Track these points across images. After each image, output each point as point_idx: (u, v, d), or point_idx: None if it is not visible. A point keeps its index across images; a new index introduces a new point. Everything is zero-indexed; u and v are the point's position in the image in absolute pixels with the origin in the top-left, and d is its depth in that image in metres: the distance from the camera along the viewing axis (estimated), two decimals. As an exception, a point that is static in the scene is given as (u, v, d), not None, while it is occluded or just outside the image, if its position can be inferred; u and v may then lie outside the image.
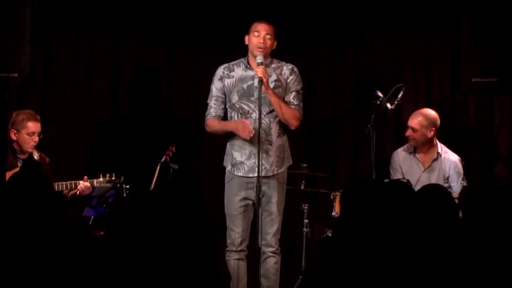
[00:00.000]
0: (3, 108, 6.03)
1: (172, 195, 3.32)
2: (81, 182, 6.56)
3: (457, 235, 3.64)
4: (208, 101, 6.22)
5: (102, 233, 5.92)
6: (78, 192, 6.56)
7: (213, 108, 6.18)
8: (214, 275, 3.38)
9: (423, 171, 6.93)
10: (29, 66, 5.88)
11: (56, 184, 6.39)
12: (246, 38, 6.11)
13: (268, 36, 6.05)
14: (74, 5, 7.45)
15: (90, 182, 6.57)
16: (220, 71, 6.20)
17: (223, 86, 6.15)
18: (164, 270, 3.18)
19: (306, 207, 6.99)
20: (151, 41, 7.65)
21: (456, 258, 3.52)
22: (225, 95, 6.17)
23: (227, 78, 6.15)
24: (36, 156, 6.57)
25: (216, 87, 6.18)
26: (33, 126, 6.49)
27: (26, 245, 3.82)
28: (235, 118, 6.10)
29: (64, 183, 6.52)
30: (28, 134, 6.48)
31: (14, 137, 6.48)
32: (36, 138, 6.52)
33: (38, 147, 6.61)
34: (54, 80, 7.48)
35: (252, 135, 5.93)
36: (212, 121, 6.17)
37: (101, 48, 7.58)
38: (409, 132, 6.88)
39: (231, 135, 6.14)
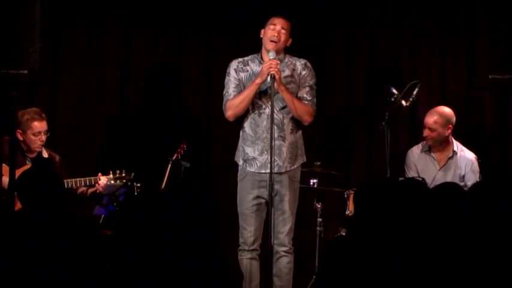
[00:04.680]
0: (13, 105, 5.96)
1: (183, 195, 3.28)
2: (101, 177, 6.51)
3: (471, 234, 3.58)
4: (224, 91, 6.14)
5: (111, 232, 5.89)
6: (98, 190, 6.51)
7: (232, 89, 6.10)
8: (225, 275, 3.34)
9: (439, 170, 6.90)
10: (39, 63, 5.83)
11: (67, 181, 6.33)
12: (262, 31, 6.10)
13: (283, 31, 6.02)
14: (83, 0, 7.43)
15: (103, 178, 6.52)
16: (235, 64, 6.17)
17: (239, 78, 6.11)
18: (174, 270, 3.14)
19: (319, 205, 6.96)
20: (162, 38, 7.61)
21: (470, 257, 3.47)
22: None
23: (241, 72, 6.13)
24: (45, 154, 6.51)
25: (233, 76, 6.13)
26: (39, 125, 6.41)
27: (36, 242, 3.92)
28: (249, 112, 6.06)
29: (74, 180, 6.46)
30: (34, 134, 6.40)
31: (20, 137, 6.37)
32: (43, 137, 6.44)
33: (47, 145, 6.55)
34: (63, 76, 7.44)
35: (273, 67, 5.83)
36: (232, 99, 6.07)
37: (110, 44, 7.55)
38: (426, 132, 6.83)
39: (243, 130, 6.11)
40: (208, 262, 3.22)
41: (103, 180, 6.49)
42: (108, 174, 6.57)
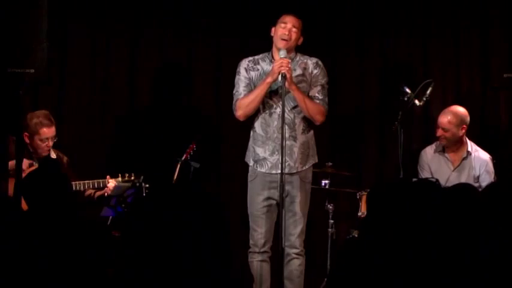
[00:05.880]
0: (19, 105, 5.89)
1: (188, 198, 3.21)
2: (110, 180, 6.45)
3: (486, 235, 3.52)
4: (234, 91, 6.09)
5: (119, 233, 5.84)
6: (106, 193, 6.46)
7: (242, 88, 6.05)
8: (233, 278, 3.26)
9: (452, 171, 6.85)
10: (46, 62, 5.75)
11: (76, 183, 6.27)
12: (272, 29, 6.05)
13: (294, 29, 5.97)
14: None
15: (112, 182, 6.46)
16: (245, 63, 6.12)
17: (250, 77, 6.06)
18: (182, 273, 3.06)
19: (331, 207, 6.91)
20: (170, 36, 7.56)
21: (484, 258, 3.41)
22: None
23: (252, 70, 6.08)
24: (53, 155, 6.44)
25: (243, 75, 6.08)
26: (48, 131, 6.32)
27: (44, 244, 3.86)
28: (260, 112, 6.00)
29: (83, 182, 6.39)
30: (41, 140, 6.31)
31: (26, 140, 6.29)
32: (50, 143, 6.35)
33: (55, 146, 6.48)
34: (70, 75, 7.40)
35: (284, 66, 5.76)
36: (242, 98, 6.02)
37: (118, 42, 7.50)
38: (440, 132, 6.77)
39: (253, 130, 6.06)
40: (214, 264, 3.14)
41: (111, 183, 6.42)
42: (117, 177, 6.50)
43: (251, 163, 6.07)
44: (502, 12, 6.59)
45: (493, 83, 6.86)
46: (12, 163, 5.94)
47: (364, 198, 6.63)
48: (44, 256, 3.81)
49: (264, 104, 5.98)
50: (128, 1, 7.46)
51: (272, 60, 6.01)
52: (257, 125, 6.03)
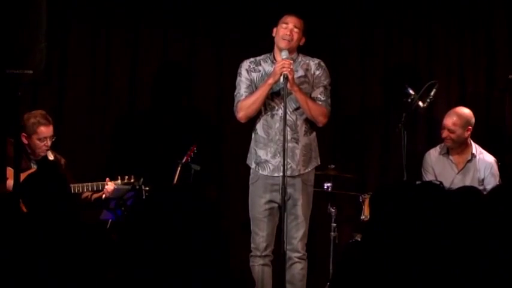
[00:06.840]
0: (17, 106, 5.84)
1: (186, 200, 3.15)
2: (109, 183, 6.40)
3: (491, 239, 3.44)
4: (236, 92, 6.06)
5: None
6: (104, 196, 6.40)
7: (243, 89, 6.01)
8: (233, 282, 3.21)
9: (457, 173, 6.81)
10: (44, 63, 5.71)
11: (75, 186, 6.21)
12: (274, 30, 6.02)
13: (296, 30, 5.93)
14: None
15: (111, 184, 6.40)
16: (246, 64, 6.08)
17: (251, 79, 6.03)
18: (180, 275, 3.01)
19: (333, 210, 6.85)
20: (171, 37, 7.52)
21: (489, 262, 3.34)
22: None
23: (253, 72, 6.05)
24: (51, 157, 6.39)
25: (244, 76, 6.05)
26: (45, 130, 6.30)
27: (43, 247, 3.77)
28: (261, 114, 5.97)
29: (81, 185, 6.35)
30: (39, 140, 6.30)
31: (25, 141, 6.28)
32: (49, 143, 6.33)
33: (53, 147, 6.43)
34: (70, 76, 7.36)
35: (286, 67, 5.71)
36: (244, 100, 5.98)
37: (118, 42, 7.46)
38: (445, 134, 6.74)
39: (255, 132, 6.02)
40: (213, 266, 3.08)
41: (110, 186, 6.37)
42: (116, 179, 6.45)
43: (253, 165, 6.04)
44: (507, 13, 6.55)
45: (498, 84, 6.82)
46: (10, 183, 5.90)
47: (367, 202, 6.58)
48: (43, 259, 3.78)
49: (266, 106, 5.95)
50: (128, 1, 7.43)
51: (274, 61, 5.98)
52: (259, 127, 6.00)
